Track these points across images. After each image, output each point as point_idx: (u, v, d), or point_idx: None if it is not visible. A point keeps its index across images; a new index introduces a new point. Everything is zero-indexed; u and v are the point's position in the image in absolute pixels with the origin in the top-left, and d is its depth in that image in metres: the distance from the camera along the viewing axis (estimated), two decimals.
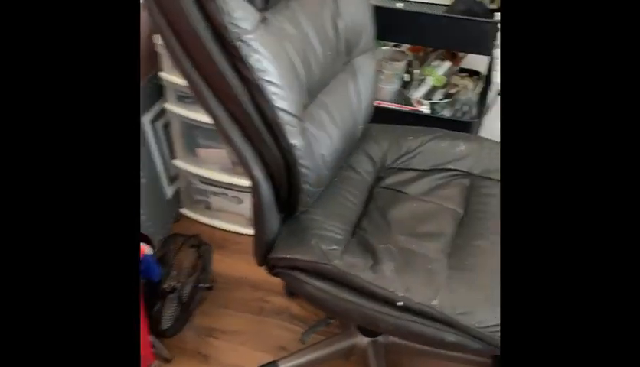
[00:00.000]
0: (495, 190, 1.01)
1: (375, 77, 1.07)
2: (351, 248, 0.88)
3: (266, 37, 0.72)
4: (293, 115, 0.75)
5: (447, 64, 1.29)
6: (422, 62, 1.34)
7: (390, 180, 1.06)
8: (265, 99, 0.72)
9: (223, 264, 1.46)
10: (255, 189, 0.79)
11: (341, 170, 1.06)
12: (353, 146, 1.05)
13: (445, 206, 0.99)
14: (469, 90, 1.31)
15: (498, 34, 1.11)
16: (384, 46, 1.34)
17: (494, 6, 1.24)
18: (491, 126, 1.44)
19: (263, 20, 0.74)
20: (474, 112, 1.29)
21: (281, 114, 0.74)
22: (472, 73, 1.37)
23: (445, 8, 1.23)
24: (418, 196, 1.02)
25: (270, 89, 0.71)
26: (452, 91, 1.29)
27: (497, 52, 1.13)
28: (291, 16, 0.82)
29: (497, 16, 1.11)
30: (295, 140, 0.77)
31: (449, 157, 1.07)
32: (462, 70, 1.37)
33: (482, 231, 0.93)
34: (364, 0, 1.00)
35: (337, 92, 0.98)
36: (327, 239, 0.88)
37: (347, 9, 0.95)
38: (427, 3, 1.29)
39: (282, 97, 0.73)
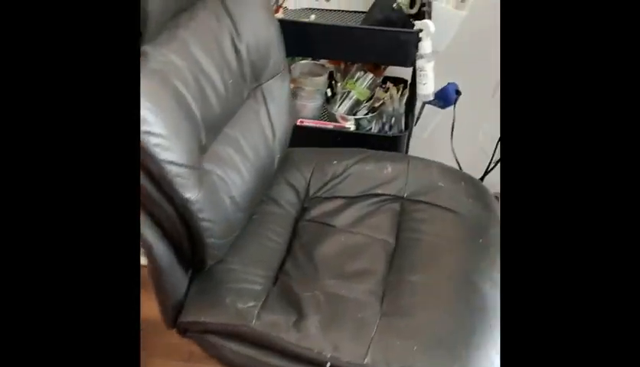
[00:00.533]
0: (426, 214, 0.95)
1: (290, 101, 0.97)
2: (271, 302, 0.78)
3: (142, 79, 0.60)
4: (184, 166, 0.64)
5: (370, 76, 1.21)
6: (345, 74, 1.25)
7: (315, 211, 0.97)
8: (146, 153, 0.60)
9: (147, 305, 1.31)
10: (149, 254, 0.67)
11: (262, 205, 0.96)
12: (270, 178, 0.95)
13: (375, 238, 0.91)
14: (395, 101, 1.24)
15: (420, 44, 1.04)
16: (302, 60, 1.24)
17: (413, 11, 1.17)
18: (421, 136, 1.39)
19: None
20: (401, 124, 1.22)
21: (169, 167, 0.62)
22: (397, 81, 1.30)
23: (364, 16, 1.15)
24: (346, 227, 0.93)
25: (151, 140, 0.60)
26: (377, 104, 1.22)
27: (420, 63, 1.06)
28: (178, 46, 0.71)
29: (418, 25, 1.03)
30: (189, 193, 0.65)
31: (376, 180, 1.00)
32: (387, 79, 1.30)
33: (415, 262, 0.85)
34: (268, 16, 0.90)
35: (247, 122, 0.87)
36: (244, 294, 0.78)
37: (248, 29, 0.84)
38: (345, 11, 1.20)
39: (167, 148, 0.61)
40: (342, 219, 0.95)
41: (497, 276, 0.83)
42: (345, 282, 0.82)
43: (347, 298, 0.79)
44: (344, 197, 0.99)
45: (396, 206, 0.97)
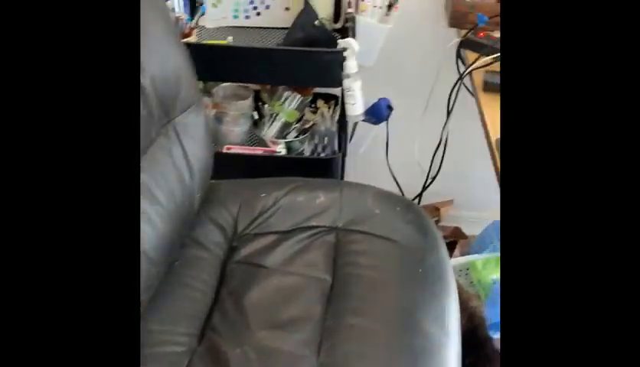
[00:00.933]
0: (363, 245, 0.89)
1: (208, 133, 0.89)
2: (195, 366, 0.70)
3: None
4: None
5: (298, 97, 1.14)
6: (272, 95, 1.18)
7: (245, 251, 0.89)
8: None
9: None
10: None
11: (185, 249, 0.87)
12: (191, 221, 0.87)
13: (310, 276, 0.85)
14: (327, 119, 1.18)
15: (345, 64, 0.98)
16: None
17: (338, 25, 1.11)
18: (356, 153, 1.34)
19: None
20: (335, 144, 1.17)
21: None
22: (328, 98, 1.25)
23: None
24: (278, 267, 0.86)
25: None
26: (307, 126, 1.15)
27: (347, 83, 1.01)
28: None
29: (341, 43, 0.98)
30: None
31: (309, 211, 0.93)
32: (317, 96, 1.24)
33: (353, 302, 0.80)
34: (175, 43, 0.82)
35: (158, 164, 0.79)
36: (164, 360, 0.70)
37: (152, 61, 0.76)
38: (268, 28, 1.13)
39: None
40: (274, 258, 0.88)
41: (437, 309, 0.79)
42: (279, 332, 0.75)
43: (280, 351, 0.73)
44: (275, 232, 0.92)
45: (331, 237, 0.91)
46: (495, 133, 0.83)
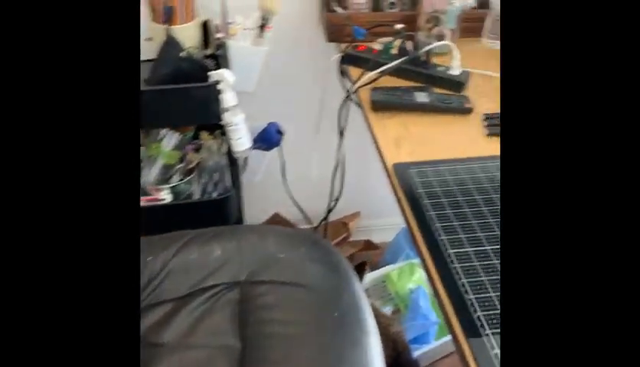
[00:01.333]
0: (272, 296, 0.81)
1: None
2: None
3: None
4: None
5: (176, 134, 1.02)
6: (147, 135, 1.05)
7: None
8: None
9: None
10: None
11: None
12: None
13: (216, 346, 0.75)
14: (214, 153, 1.07)
15: (221, 97, 0.89)
16: None
17: (209, 51, 1.01)
18: (253, 180, 1.25)
19: None
20: (227, 179, 1.07)
21: None
22: (213, 128, 1.14)
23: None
24: (178, 342, 0.75)
25: None
26: (193, 165, 1.04)
27: (227, 117, 0.91)
28: None
29: (214, 76, 0.88)
30: None
31: (206, 269, 0.83)
32: (200, 128, 1.13)
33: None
34: None
35: None
36: None
37: None
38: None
39: None
40: (172, 331, 0.77)
41: (359, 356, 0.73)
42: None
43: None
44: (169, 301, 0.81)
45: (235, 294, 0.82)
46: (391, 157, 0.79)
